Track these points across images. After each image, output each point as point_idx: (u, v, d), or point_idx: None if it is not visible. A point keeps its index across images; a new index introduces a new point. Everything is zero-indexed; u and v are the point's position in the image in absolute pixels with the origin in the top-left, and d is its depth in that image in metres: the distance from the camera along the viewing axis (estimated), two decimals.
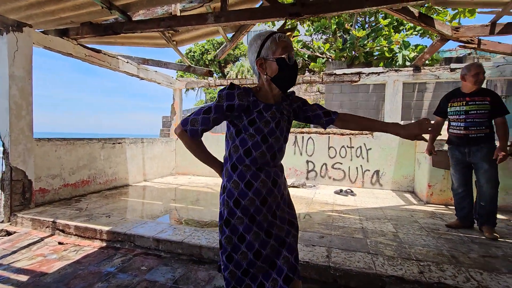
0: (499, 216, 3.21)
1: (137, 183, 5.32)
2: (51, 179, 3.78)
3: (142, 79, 5.57)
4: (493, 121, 2.71)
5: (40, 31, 3.68)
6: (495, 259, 2.24)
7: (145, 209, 3.60)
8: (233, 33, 4.25)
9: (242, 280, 1.15)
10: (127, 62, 5.05)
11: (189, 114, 1.20)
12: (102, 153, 4.62)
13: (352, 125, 1.30)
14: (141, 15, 3.61)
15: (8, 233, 3.07)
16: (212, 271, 2.26)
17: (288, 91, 1.27)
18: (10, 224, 3.23)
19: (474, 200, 2.90)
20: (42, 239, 2.91)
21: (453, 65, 4.72)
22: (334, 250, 2.34)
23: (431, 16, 5.46)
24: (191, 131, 1.14)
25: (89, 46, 4.34)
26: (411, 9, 3.24)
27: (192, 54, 23.04)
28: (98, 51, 4.46)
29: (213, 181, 5.69)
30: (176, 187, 5.12)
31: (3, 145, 3.27)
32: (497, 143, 2.69)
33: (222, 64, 23.67)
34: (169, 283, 2.09)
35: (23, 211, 3.30)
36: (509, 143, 2.74)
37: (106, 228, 2.79)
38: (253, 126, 1.13)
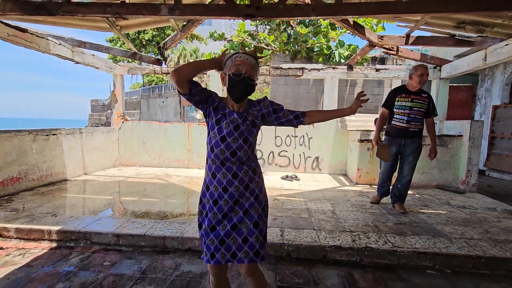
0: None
1: (77, 177, 4.93)
2: None
3: (77, 63, 5.04)
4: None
5: None
6: (403, 225, 2.93)
7: (94, 205, 3.45)
8: (185, 23, 4.19)
9: (216, 248, 1.36)
10: (59, 44, 4.52)
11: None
12: (34, 146, 4.15)
13: (317, 119, 1.55)
14: None
15: None
16: (178, 258, 2.41)
17: (259, 99, 1.51)
18: None
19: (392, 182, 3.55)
20: None
21: (378, 66, 5.54)
22: (286, 229, 2.72)
23: (361, 23, 6.23)
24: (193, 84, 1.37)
25: (12, 23, 3.76)
26: (349, 19, 3.72)
27: (127, 32, 20.97)
28: (24, 30, 3.89)
29: (162, 172, 5.61)
30: (123, 179, 4.92)
31: None
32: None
33: (161, 45, 22.25)
34: (137, 274, 2.18)
35: None
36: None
37: (56, 228, 2.65)
38: (217, 125, 1.37)
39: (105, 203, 3.51)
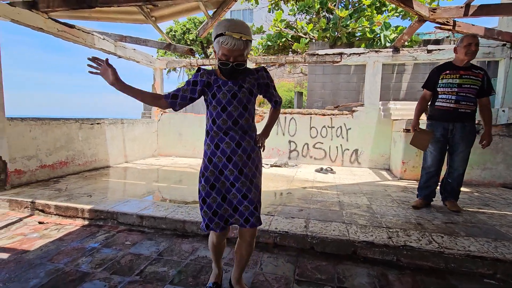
0: (462, 189, 3.48)
1: (118, 165, 5.26)
2: (27, 160, 3.66)
3: (119, 57, 5.35)
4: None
5: (7, 3, 3.43)
6: (455, 225, 2.47)
7: (127, 189, 3.60)
8: (215, 10, 4.14)
9: (212, 219, 1.44)
10: (103, 39, 4.83)
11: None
12: (80, 134, 4.49)
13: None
14: None
15: None
16: (195, 243, 2.35)
17: (257, 67, 1.51)
18: None
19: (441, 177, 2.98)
20: (21, 219, 2.86)
21: (430, 47, 4.87)
22: (312, 221, 2.48)
23: None
24: (172, 103, 1.45)
25: (62, 20, 4.10)
26: None
27: (173, 33, 22.16)
28: (72, 26, 4.22)
29: (196, 162, 5.71)
30: (159, 168, 5.11)
31: None
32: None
33: (205, 44, 22.97)
34: (154, 255, 2.16)
35: None
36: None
37: (88, 207, 2.79)
38: (214, 98, 1.40)
39: (136, 188, 3.63)
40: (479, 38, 4.55)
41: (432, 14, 3.61)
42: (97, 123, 4.84)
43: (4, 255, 2.16)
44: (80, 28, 4.38)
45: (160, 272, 1.93)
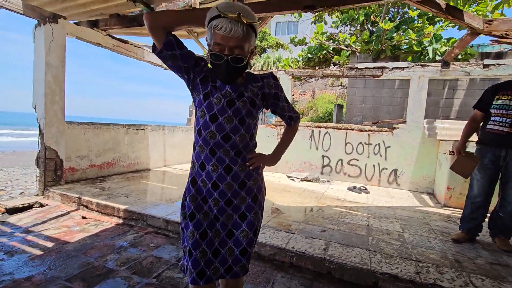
0: None
1: (158, 168, 5.63)
2: (79, 160, 4.13)
3: (165, 69, 5.80)
4: None
5: (73, 23, 3.98)
6: (503, 267, 2.15)
7: (160, 192, 3.83)
8: None
9: (188, 261, 1.13)
10: (151, 53, 5.28)
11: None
12: (126, 138, 4.94)
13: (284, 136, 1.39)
14: (163, 7, 3.76)
15: (41, 205, 3.44)
16: None
17: (264, 74, 1.21)
18: (43, 197, 3.60)
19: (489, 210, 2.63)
20: (68, 212, 3.23)
21: (486, 61, 4.39)
22: (333, 244, 2.37)
23: (466, 7, 5.10)
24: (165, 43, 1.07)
25: (117, 36, 4.61)
26: (438, 0, 3.06)
27: (203, 38, 23.25)
28: (125, 42, 4.71)
29: None
30: None
31: (39, 126, 3.62)
32: None
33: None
34: (173, 260, 2.26)
35: (54, 187, 3.66)
36: None
37: (123, 207, 3.03)
38: (206, 100, 1.09)
39: (169, 192, 3.85)
40: None
41: (487, 27, 3.26)
42: (142, 129, 5.28)
43: (50, 244, 2.45)
44: (132, 43, 4.87)
45: (175, 278, 2.01)
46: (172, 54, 1.07)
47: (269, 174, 5.70)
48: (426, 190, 4.78)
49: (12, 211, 3.24)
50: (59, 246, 2.42)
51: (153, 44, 1.10)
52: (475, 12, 6.32)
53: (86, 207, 3.27)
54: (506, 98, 2.42)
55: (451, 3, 3.21)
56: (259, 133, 5.42)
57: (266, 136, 5.99)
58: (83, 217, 3.11)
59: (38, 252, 2.30)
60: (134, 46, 4.87)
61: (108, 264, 2.17)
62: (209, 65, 1.12)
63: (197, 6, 3.51)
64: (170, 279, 1.99)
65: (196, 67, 1.13)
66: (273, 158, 1.30)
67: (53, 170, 3.72)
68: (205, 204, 1.15)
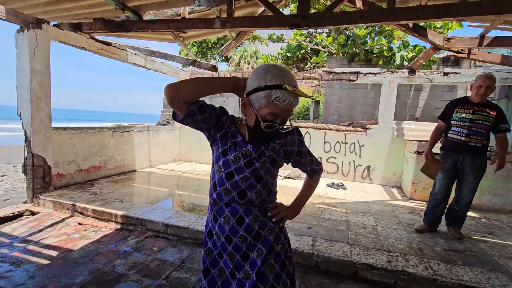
0: (471, 214, 3.59)
1: (143, 169, 5.69)
2: (67, 165, 4.13)
3: (149, 69, 5.79)
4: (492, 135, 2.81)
5: (54, 25, 3.89)
6: (455, 252, 2.62)
7: (153, 195, 3.97)
8: (238, 33, 4.46)
9: None
10: (135, 54, 5.27)
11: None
12: (112, 141, 4.95)
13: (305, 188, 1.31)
14: (151, 14, 3.81)
15: (32, 213, 3.46)
16: None
17: (284, 130, 1.06)
18: (33, 205, 3.60)
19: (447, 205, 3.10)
20: (63, 219, 3.29)
21: (446, 70, 4.95)
22: (318, 240, 2.72)
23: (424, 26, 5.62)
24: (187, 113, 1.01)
25: (100, 38, 4.56)
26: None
27: (200, 39, 22.87)
28: (109, 44, 4.67)
29: None
30: (180, 174, 5.49)
31: (25, 134, 3.58)
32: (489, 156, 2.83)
33: (219, 54, 23.55)
34: (177, 262, 2.48)
35: (44, 194, 3.67)
36: None
37: (120, 212, 3.17)
38: (223, 157, 1.07)
39: (161, 195, 4.00)
40: (496, 68, 4.60)
41: (446, 44, 3.73)
42: (127, 131, 5.29)
43: (54, 253, 2.55)
44: (116, 46, 4.83)
45: (183, 278, 2.24)
46: (194, 120, 1.03)
47: None
48: (395, 184, 5.35)
49: (2, 220, 3.24)
50: (64, 254, 2.53)
51: (173, 111, 1.03)
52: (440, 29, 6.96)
53: (81, 213, 3.35)
54: (463, 111, 2.87)
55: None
56: None
57: None
58: (79, 224, 3.19)
59: (44, 261, 2.41)
60: (118, 48, 4.84)
61: (117, 269, 2.34)
62: (241, 124, 1.11)
63: (186, 16, 3.62)
64: (179, 279, 2.22)
65: (217, 123, 1.08)
66: (294, 212, 1.23)
67: (42, 177, 3.72)
68: (221, 259, 1.09)
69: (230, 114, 1.13)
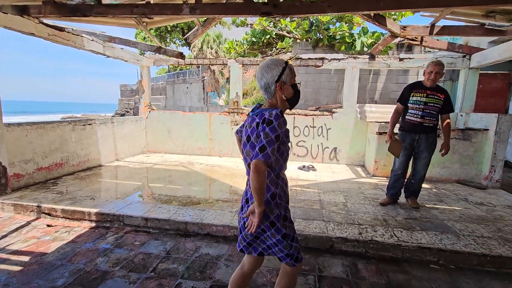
0: (424, 185, 4.07)
1: (110, 163, 5.42)
2: (24, 164, 3.79)
3: (108, 56, 5.40)
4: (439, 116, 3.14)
5: None
6: (413, 220, 3.00)
7: (125, 189, 3.84)
8: (206, 19, 4.33)
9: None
10: (92, 40, 4.87)
11: (263, 146, 1.28)
12: (73, 135, 4.61)
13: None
14: None
15: None
16: (197, 242, 2.71)
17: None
18: None
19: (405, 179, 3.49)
20: (28, 222, 3.07)
21: (402, 56, 5.36)
22: (297, 219, 2.91)
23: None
24: (268, 164, 1.29)
25: (52, 23, 4.12)
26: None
27: (165, 25, 21.48)
28: (62, 29, 4.25)
29: (185, 159, 5.97)
30: (150, 166, 5.34)
31: None
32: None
33: (186, 31, 22.48)
34: (163, 253, 2.50)
35: (2, 197, 3.36)
36: None
37: (94, 210, 3.04)
38: (283, 143, 1.39)
39: (135, 188, 3.89)
40: (443, 53, 5.08)
41: (402, 32, 4.04)
42: (89, 124, 4.96)
43: (25, 258, 2.41)
44: (70, 31, 4.42)
45: (171, 268, 2.28)
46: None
47: (226, 160, 6.04)
48: (359, 163, 5.79)
49: None
50: (37, 259, 2.40)
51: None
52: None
53: (49, 214, 3.15)
54: (418, 95, 3.18)
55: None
56: (214, 120, 5.73)
57: (220, 123, 6.23)
58: (48, 226, 3.01)
59: (16, 268, 2.27)
60: (73, 34, 4.43)
61: (100, 267, 2.30)
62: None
63: (151, 1, 3.43)
64: (166, 270, 2.26)
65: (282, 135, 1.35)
66: (257, 211, 1.35)
67: None
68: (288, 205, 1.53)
69: (283, 116, 1.36)
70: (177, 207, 3.20)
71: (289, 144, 1.53)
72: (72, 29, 4.59)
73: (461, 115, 5.17)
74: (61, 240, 2.72)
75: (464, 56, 5.02)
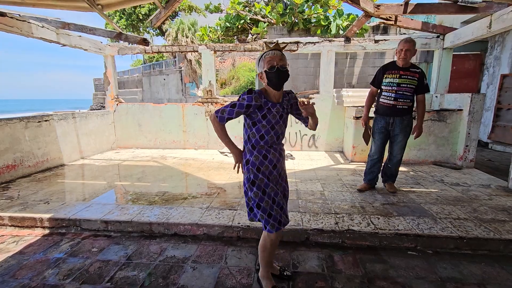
0: (401, 168, 4.01)
1: (74, 162, 5.01)
2: None
3: (63, 45, 4.91)
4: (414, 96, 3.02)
5: None
6: (391, 205, 2.91)
7: (87, 191, 3.52)
8: (167, 0, 3.96)
9: (281, 215, 1.70)
10: (42, 27, 4.37)
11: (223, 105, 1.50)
12: (27, 134, 4.18)
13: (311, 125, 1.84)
14: None
15: None
16: (163, 243, 2.48)
17: (286, 90, 1.76)
18: None
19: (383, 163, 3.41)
20: None
21: (377, 37, 5.23)
22: None
23: None
24: (221, 118, 1.63)
25: None
26: None
27: (123, 8, 20.24)
28: (3, 14, 3.75)
29: (158, 153, 5.65)
30: (119, 163, 4.98)
31: None
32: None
33: (148, 25, 21.49)
34: (123, 260, 2.25)
35: None
36: None
37: (47, 216, 2.73)
38: (265, 119, 1.62)
39: (97, 189, 3.57)
40: (417, 33, 4.99)
41: (376, 11, 3.88)
42: (45, 120, 4.51)
43: None
44: (13, 16, 3.92)
45: (130, 276, 2.05)
46: (230, 117, 1.63)
47: (201, 152, 5.77)
48: (338, 149, 5.70)
49: None
50: None
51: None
52: None
53: None
54: (391, 76, 3.04)
55: None
56: (187, 111, 5.41)
57: (194, 114, 5.92)
58: None
59: None
60: (17, 20, 3.93)
61: (49, 280, 2.02)
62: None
63: None
64: (125, 279, 2.02)
65: (249, 109, 1.59)
66: (234, 156, 1.79)
67: None
68: (270, 182, 1.68)
69: (256, 93, 1.59)
70: (142, 206, 2.94)
71: (275, 127, 1.65)
72: (19, 15, 4.09)
73: (436, 96, 5.16)
74: (6, 252, 2.40)
75: (438, 37, 4.96)
